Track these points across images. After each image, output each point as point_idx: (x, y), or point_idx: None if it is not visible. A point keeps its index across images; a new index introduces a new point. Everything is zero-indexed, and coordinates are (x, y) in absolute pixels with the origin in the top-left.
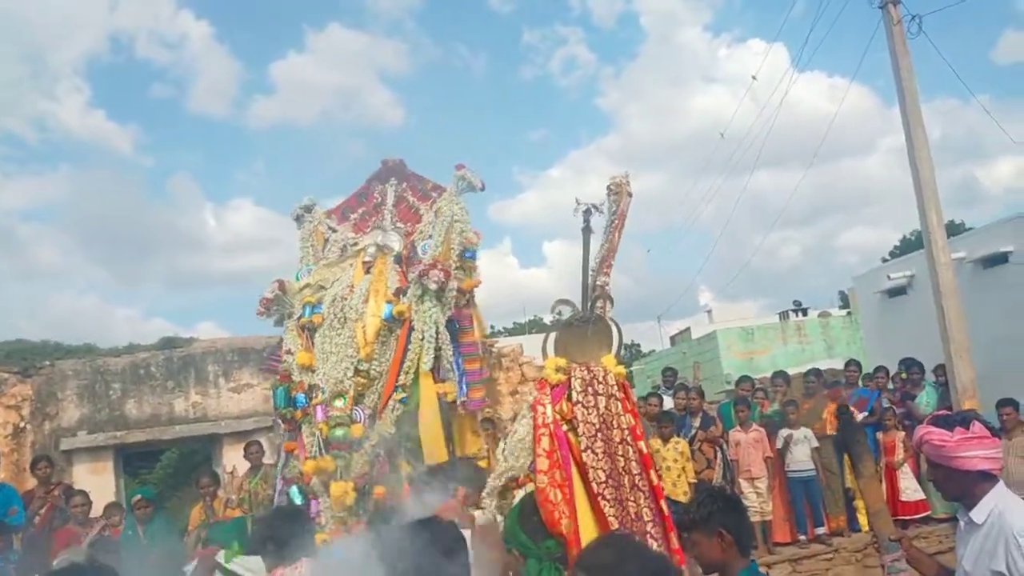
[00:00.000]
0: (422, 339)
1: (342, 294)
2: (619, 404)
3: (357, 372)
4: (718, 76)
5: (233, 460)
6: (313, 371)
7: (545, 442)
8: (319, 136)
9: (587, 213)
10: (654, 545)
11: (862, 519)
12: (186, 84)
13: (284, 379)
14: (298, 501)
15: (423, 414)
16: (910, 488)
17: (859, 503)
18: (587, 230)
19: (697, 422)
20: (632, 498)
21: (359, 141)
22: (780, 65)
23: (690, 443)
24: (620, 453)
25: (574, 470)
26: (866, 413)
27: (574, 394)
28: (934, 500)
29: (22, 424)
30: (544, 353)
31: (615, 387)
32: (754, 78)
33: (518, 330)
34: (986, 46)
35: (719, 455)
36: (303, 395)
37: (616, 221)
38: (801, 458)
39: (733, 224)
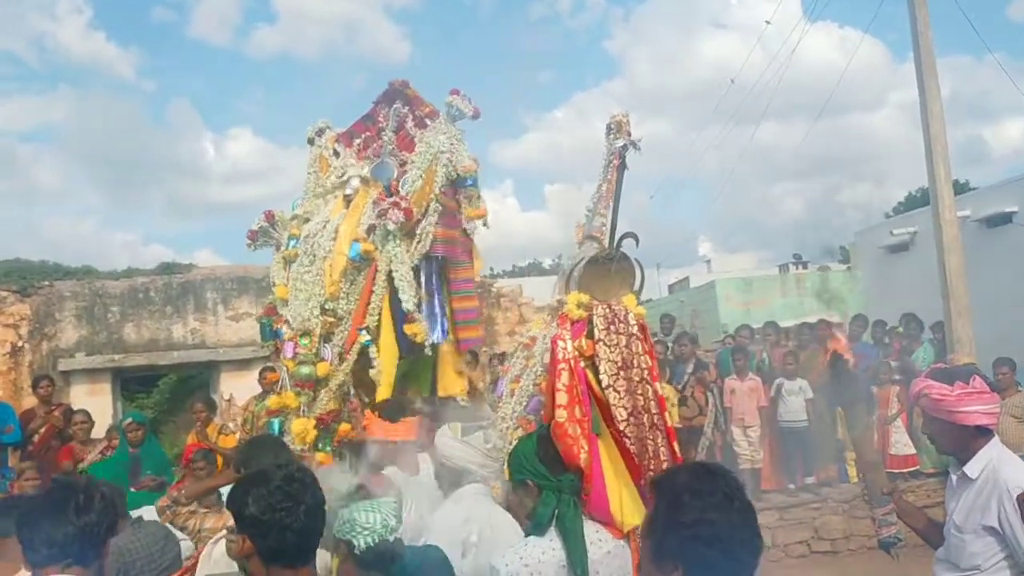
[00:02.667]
0: (385, 280)
1: (315, 230)
2: (639, 344)
3: (324, 311)
4: (728, 22)
5: (231, 388)
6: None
7: (565, 377)
8: (322, 68)
9: (623, 148)
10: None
11: (851, 471)
12: (188, 8)
13: (269, 312)
14: (276, 433)
15: (381, 354)
16: (900, 442)
17: (849, 455)
18: (622, 166)
19: (690, 368)
20: (651, 436)
21: (362, 74)
22: (793, 12)
23: (682, 389)
24: (640, 392)
25: (593, 406)
26: (862, 370)
27: (596, 331)
28: (924, 455)
29: (20, 343)
30: (566, 288)
31: (635, 327)
32: (768, 23)
33: (518, 273)
34: (1003, 2)
35: (711, 401)
36: (282, 329)
37: (614, 160)
38: (794, 408)
39: (737, 175)
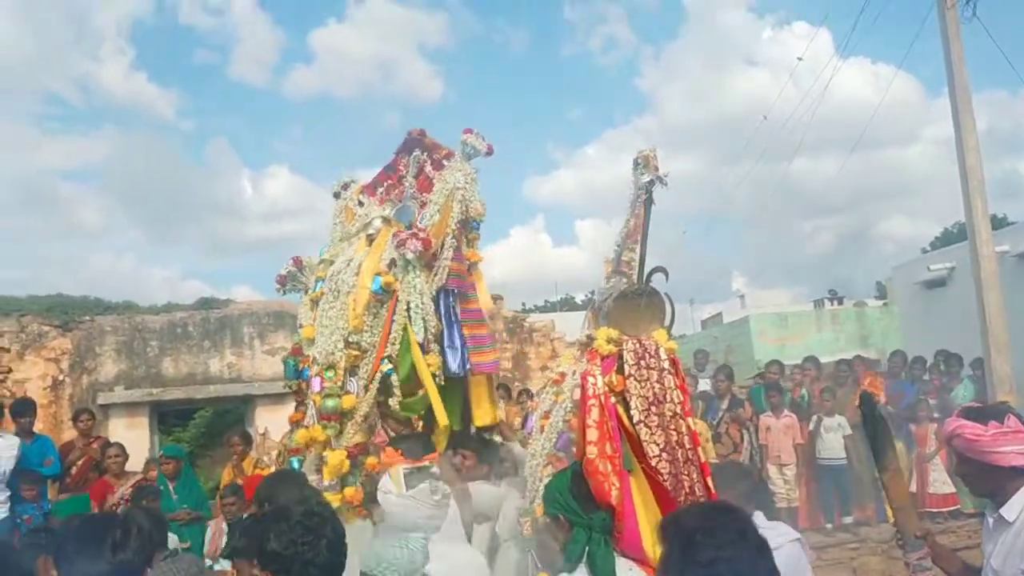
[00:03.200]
0: (407, 310)
1: (339, 268)
2: (671, 379)
3: (347, 344)
4: (760, 59)
5: (266, 421)
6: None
7: (595, 412)
8: (357, 107)
9: (650, 183)
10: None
11: (890, 511)
12: (227, 50)
13: (296, 352)
14: (296, 470)
15: (425, 383)
16: (939, 480)
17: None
18: (649, 201)
19: (725, 404)
20: (686, 472)
21: (396, 113)
22: (824, 49)
23: (716, 425)
24: (673, 427)
25: (624, 443)
26: (903, 407)
27: (626, 367)
28: (964, 494)
29: (61, 377)
30: (596, 322)
31: (667, 362)
32: (800, 59)
33: (549, 308)
34: None
35: (746, 438)
36: (308, 368)
37: (641, 195)
38: (833, 445)
39: (770, 210)
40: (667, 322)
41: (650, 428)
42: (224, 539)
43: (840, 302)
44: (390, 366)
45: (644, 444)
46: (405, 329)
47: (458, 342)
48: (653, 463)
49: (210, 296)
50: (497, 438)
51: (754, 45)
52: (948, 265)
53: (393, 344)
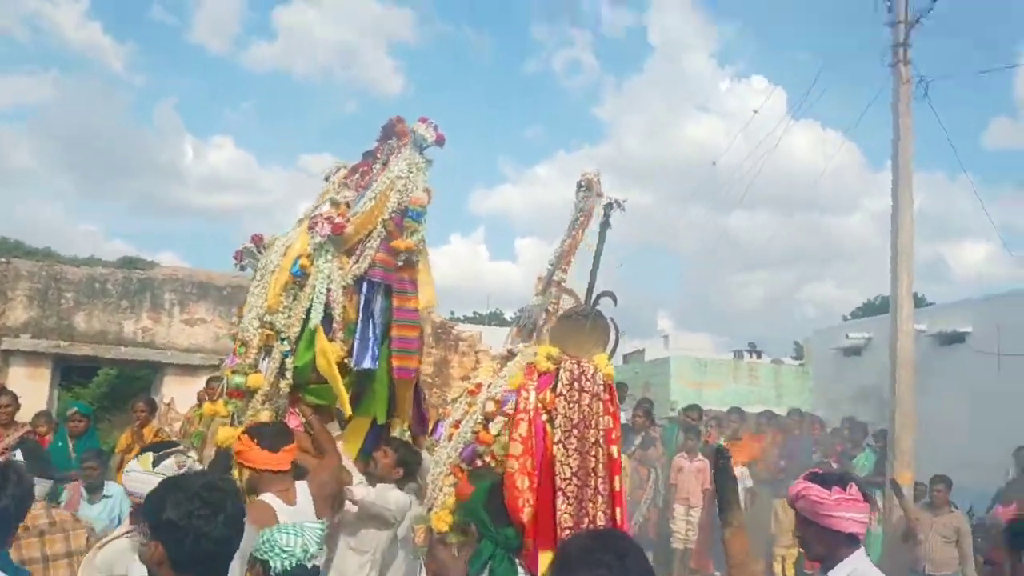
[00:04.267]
0: (312, 295)
1: (277, 248)
2: (601, 405)
3: (262, 323)
4: (715, 107)
5: (173, 392)
6: None
7: (523, 427)
8: (314, 90)
9: (608, 207)
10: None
11: (777, 567)
12: (188, 13)
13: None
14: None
15: (321, 368)
16: None
17: (777, 551)
18: (605, 224)
19: (638, 440)
20: (592, 500)
21: (354, 102)
22: (778, 108)
23: None
24: (592, 454)
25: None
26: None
27: (559, 385)
28: None
29: None
30: (537, 340)
31: (602, 387)
32: (755, 112)
33: (478, 319)
34: (978, 127)
35: (651, 477)
36: None
37: (582, 218)
38: None
39: (705, 257)
40: (609, 348)
41: (567, 450)
42: (81, 504)
43: (759, 356)
44: (287, 348)
45: (558, 464)
46: (310, 314)
47: (371, 336)
48: (563, 485)
49: (135, 256)
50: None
51: (712, 92)
52: (866, 335)
53: (293, 327)
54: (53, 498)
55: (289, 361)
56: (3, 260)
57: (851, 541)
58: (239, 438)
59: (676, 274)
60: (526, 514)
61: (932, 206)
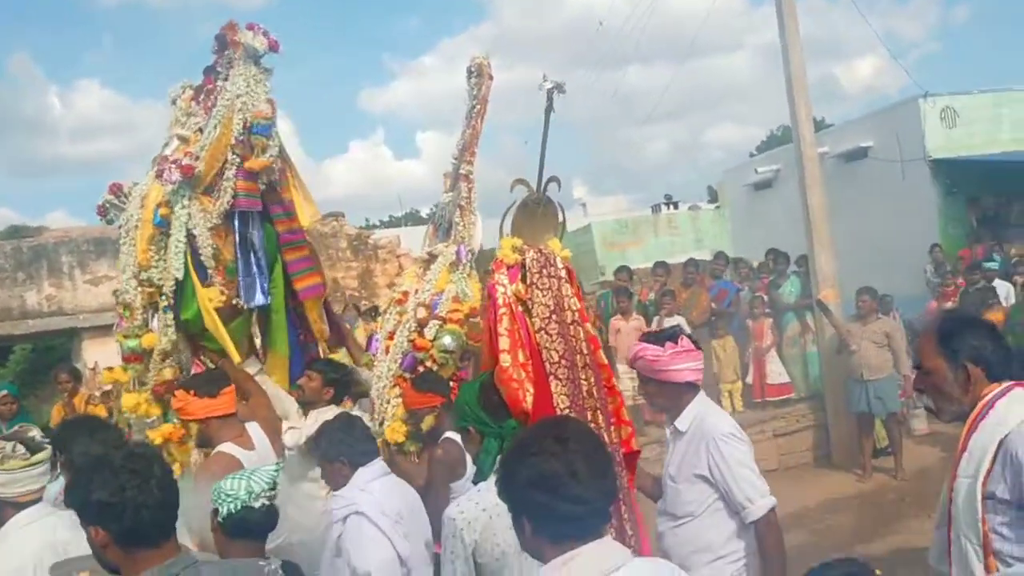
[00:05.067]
0: (177, 244)
1: (135, 198)
2: (568, 287)
3: (140, 282)
4: None
5: (95, 355)
6: None
7: (506, 321)
8: (171, 15)
9: (551, 91)
10: (602, 418)
11: (726, 402)
12: None
13: None
14: None
15: (206, 320)
16: (776, 372)
17: (723, 387)
18: (549, 109)
19: None
20: (584, 376)
21: (215, 21)
22: None
23: None
24: (572, 334)
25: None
26: (726, 305)
27: (528, 275)
28: (796, 383)
29: None
30: (500, 232)
31: (563, 270)
32: None
33: (394, 223)
34: None
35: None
36: None
37: (478, 106)
38: None
39: (605, 119)
40: (559, 231)
41: (550, 336)
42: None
43: (675, 207)
44: (167, 302)
45: (544, 351)
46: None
47: (255, 271)
48: (552, 370)
49: (20, 224)
50: (346, 360)
51: None
52: (774, 167)
53: (166, 280)
54: None
55: (171, 316)
56: None
57: (690, 388)
58: (175, 395)
59: (582, 142)
60: (528, 403)
61: (817, 29)
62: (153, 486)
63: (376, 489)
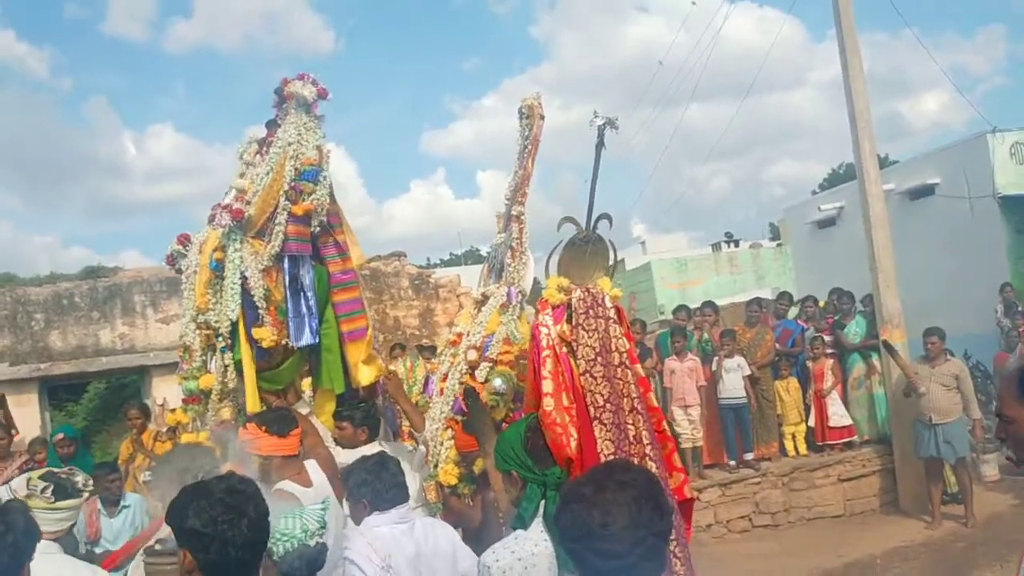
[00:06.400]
0: (231, 287)
1: (196, 244)
2: (617, 327)
3: (198, 325)
4: (651, 5)
5: (164, 392)
6: None
7: (550, 364)
8: (242, 61)
9: (602, 128)
10: (652, 466)
11: (789, 444)
12: (100, 5)
13: None
14: None
15: (244, 363)
16: (838, 414)
17: (787, 429)
18: (600, 145)
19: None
20: (631, 421)
21: (285, 68)
22: None
23: None
24: (619, 376)
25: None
26: (789, 345)
27: (575, 316)
28: (859, 426)
29: None
30: (546, 271)
31: (612, 310)
32: (694, 3)
33: (455, 261)
34: None
35: (653, 385)
36: None
37: (530, 147)
38: (732, 386)
39: (665, 156)
40: (610, 269)
41: (595, 379)
42: (100, 519)
43: (736, 244)
44: (223, 344)
45: (588, 395)
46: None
47: (304, 311)
48: (597, 414)
49: (97, 264)
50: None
51: None
52: (837, 205)
53: (222, 322)
54: None
55: (229, 356)
56: None
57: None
58: (246, 427)
59: (641, 180)
60: (572, 448)
61: (882, 66)
62: (244, 525)
63: (379, 535)
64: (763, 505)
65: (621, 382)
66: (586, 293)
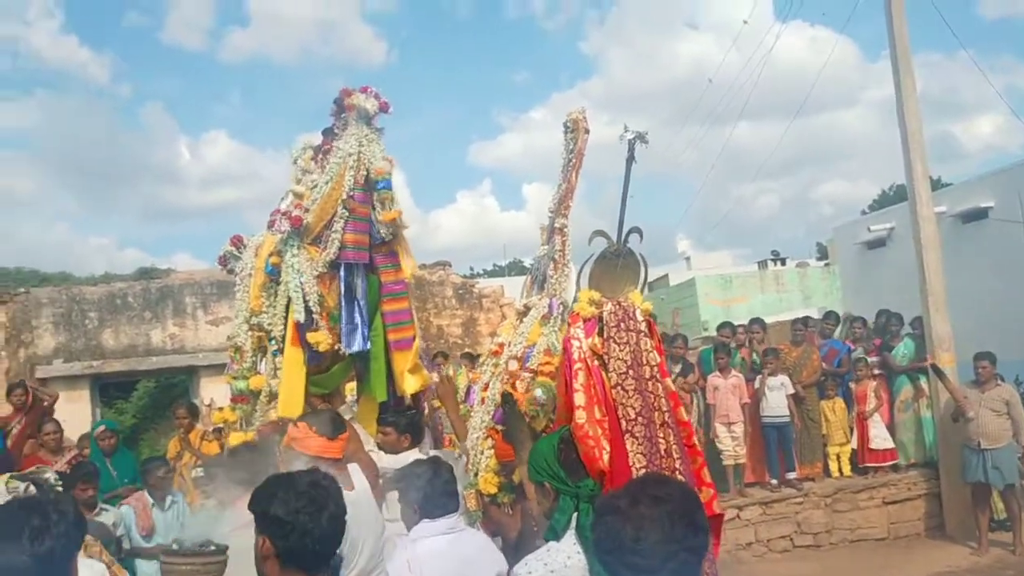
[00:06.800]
0: (287, 291)
1: (252, 248)
2: (647, 341)
3: (250, 326)
4: (701, 23)
5: (211, 392)
6: None
7: (582, 376)
8: (296, 71)
9: (633, 142)
10: (680, 479)
11: (833, 465)
12: (161, 13)
13: None
14: None
15: (284, 366)
16: (879, 436)
17: (831, 450)
18: (631, 159)
19: (678, 368)
20: (662, 435)
21: (338, 78)
22: (764, 12)
23: None
24: (650, 390)
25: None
26: (835, 365)
27: (606, 329)
28: (901, 450)
29: None
30: (577, 285)
31: (643, 323)
32: (745, 22)
33: (498, 272)
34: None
35: (695, 401)
36: None
37: (574, 160)
38: (776, 404)
39: (713, 173)
40: (640, 283)
41: (627, 392)
42: (153, 511)
43: (783, 263)
44: (276, 347)
45: (620, 408)
46: (288, 309)
47: (357, 319)
48: (628, 427)
49: (150, 266)
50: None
51: (695, 9)
52: (888, 226)
53: (276, 325)
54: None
55: (280, 359)
56: (23, 291)
57: None
58: (295, 425)
59: (688, 195)
60: (604, 461)
61: (935, 87)
62: (324, 518)
63: (419, 553)
64: (805, 525)
65: (652, 395)
66: (617, 306)
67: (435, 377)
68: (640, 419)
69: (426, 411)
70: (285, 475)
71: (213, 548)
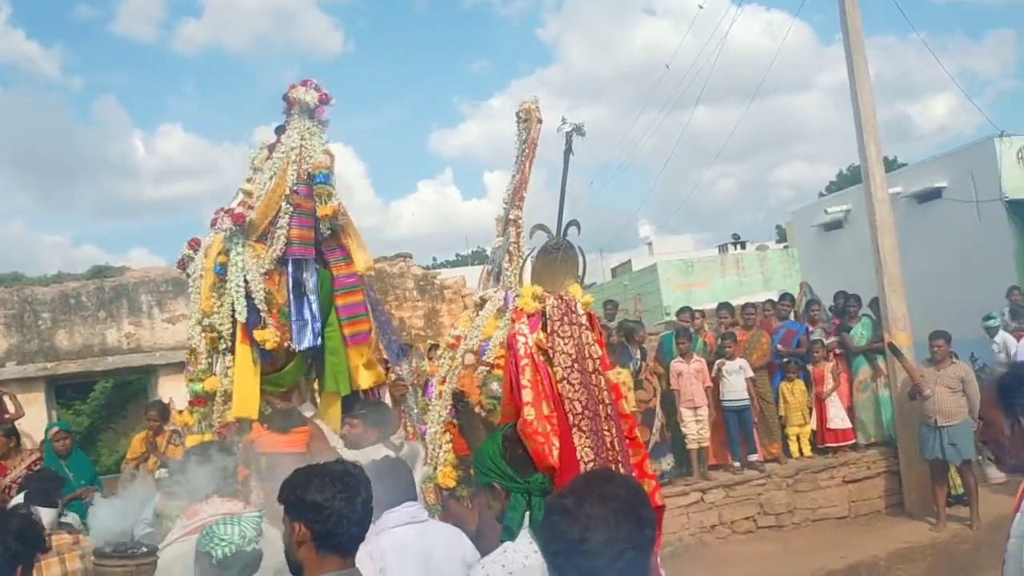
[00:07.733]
0: (235, 290)
1: (200, 252)
2: (589, 334)
3: (203, 328)
4: (658, 8)
5: (170, 392)
6: None
7: (529, 372)
8: (251, 61)
9: (570, 135)
10: (623, 471)
11: (793, 446)
12: (111, 5)
13: None
14: None
15: (236, 365)
16: (837, 417)
17: (791, 431)
18: (568, 151)
19: (638, 353)
20: (607, 428)
21: (295, 68)
22: None
23: (636, 373)
24: (594, 383)
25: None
26: (794, 346)
27: (550, 323)
28: (859, 429)
29: None
30: (519, 280)
31: (584, 316)
32: (701, 7)
33: (461, 261)
34: None
35: (658, 387)
36: None
37: (527, 150)
38: (736, 388)
39: (673, 159)
40: (579, 277)
41: (573, 386)
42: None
43: (743, 246)
44: (225, 346)
45: (567, 402)
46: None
47: (307, 315)
48: (576, 421)
49: (104, 264)
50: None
51: None
52: (844, 208)
53: (223, 324)
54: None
55: (230, 359)
56: None
57: None
58: (252, 426)
59: (649, 181)
60: (555, 457)
61: (890, 69)
62: (359, 503)
63: (382, 543)
64: (767, 506)
65: (596, 389)
66: (559, 300)
67: (402, 370)
68: (586, 412)
69: (392, 405)
70: (316, 465)
71: (144, 550)
